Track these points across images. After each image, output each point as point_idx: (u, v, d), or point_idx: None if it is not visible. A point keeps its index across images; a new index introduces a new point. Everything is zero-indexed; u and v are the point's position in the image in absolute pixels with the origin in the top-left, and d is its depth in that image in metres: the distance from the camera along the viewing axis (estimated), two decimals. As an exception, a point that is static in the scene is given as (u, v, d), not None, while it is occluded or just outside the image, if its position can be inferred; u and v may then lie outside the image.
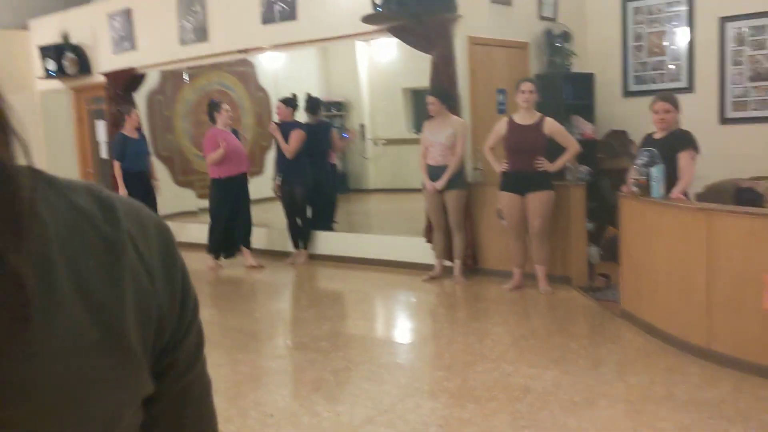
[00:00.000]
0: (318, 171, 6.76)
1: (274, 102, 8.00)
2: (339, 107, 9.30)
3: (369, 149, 9.30)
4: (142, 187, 6.70)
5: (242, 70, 9.35)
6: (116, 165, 6.79)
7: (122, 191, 6.42)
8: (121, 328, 0.54)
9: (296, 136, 6.50)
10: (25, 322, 0.46)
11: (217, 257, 6.75)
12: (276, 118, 6.84)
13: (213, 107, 6.59)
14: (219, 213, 6.62)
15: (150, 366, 0.58)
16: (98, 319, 0.53)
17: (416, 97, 9.18)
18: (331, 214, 7.15)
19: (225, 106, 6.58)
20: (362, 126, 9.12)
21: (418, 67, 6.41)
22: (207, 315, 4.92)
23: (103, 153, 8.70)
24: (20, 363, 0.47)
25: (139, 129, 7.06)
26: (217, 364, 3.96)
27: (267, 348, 4.68)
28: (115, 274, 0.54)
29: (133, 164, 6.79)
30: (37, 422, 0.49)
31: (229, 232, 6.65)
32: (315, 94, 7.24)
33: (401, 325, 5.19)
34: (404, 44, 6.07)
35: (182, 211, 8.43)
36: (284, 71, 8.96)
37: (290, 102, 6.70)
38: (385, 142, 9.78)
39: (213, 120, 6.56)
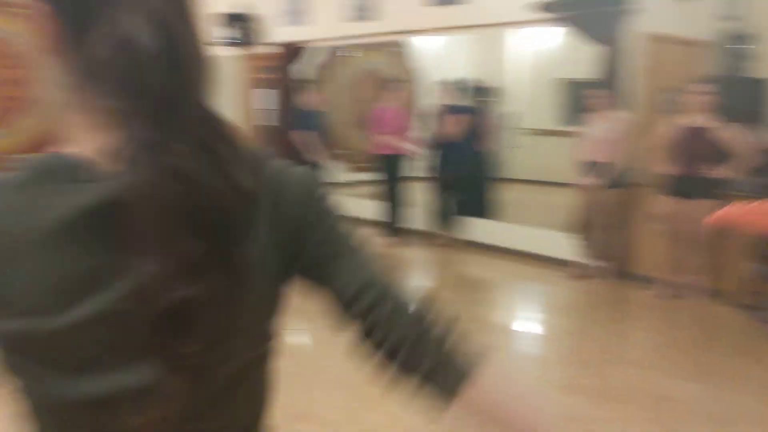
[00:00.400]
0: (473, 156, 6.79)
1: (426, 84, 8.12)
2: (488, 93, 9.28)
3: (514, 138, 9.18)
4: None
5: (395, 50, 9.53)
6: (303, 135, 7.04)
7: (316, 155, 6.93)
8: (263, 261, 0.75)
9: (461, 119, 6.57)
10: (237, 288, 0.70)
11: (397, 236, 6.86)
12: (436, 100, 6.95)
13: (385, 85, 6.79)
14: (392, 190, 6.78)
15: (294, 259, 0.79)
16: (252, 259, 0.74)
17: (570, 88, 8.94)
18: (480, 201, 7.13)
19: (397, 85, 6.77)
20: (509, 114, 9.02)
21: (576, 58, 6.26)
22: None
23: (262, 120, 9.17)
24: (230, 313, 0.70)
25: (315, 104, 7.34)
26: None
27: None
28: (252, 219, 0.74)
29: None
30: (240, 349, 0.75)
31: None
32: (465, 78, 7.28)
33: (539, 318, 5.19)
34: (561, 34, 5.94)
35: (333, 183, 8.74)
36: (436, 54, 9.01)
37: (454, 85, 6.80)
38: (531, 132, 9.61)
39: (383, 97, 6.72)
